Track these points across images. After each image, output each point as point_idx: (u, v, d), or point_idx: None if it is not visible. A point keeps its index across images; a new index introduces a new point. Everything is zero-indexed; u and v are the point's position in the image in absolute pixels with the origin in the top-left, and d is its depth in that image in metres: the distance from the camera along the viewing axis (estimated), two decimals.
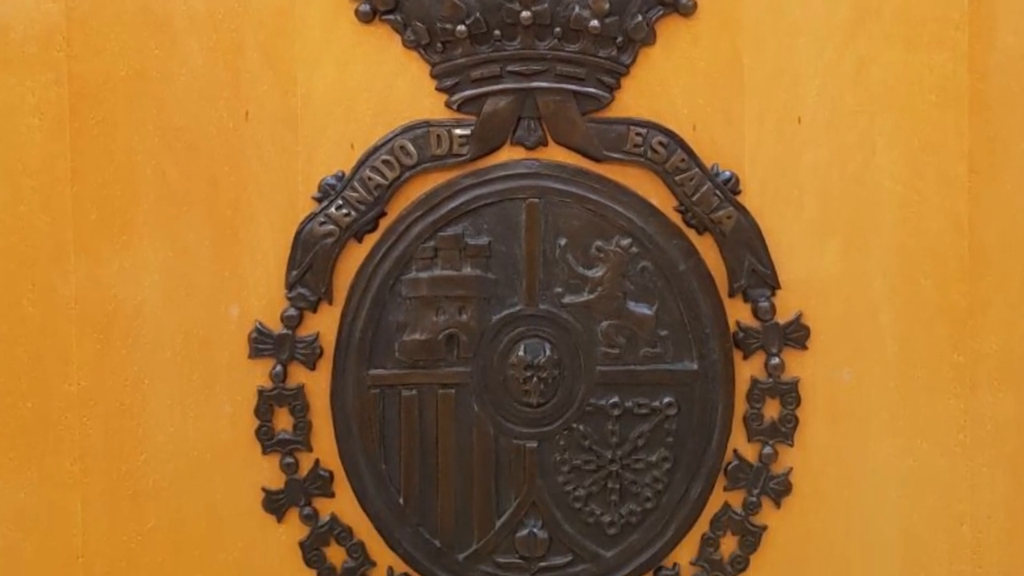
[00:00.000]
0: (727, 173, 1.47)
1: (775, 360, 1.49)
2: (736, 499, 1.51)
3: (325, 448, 1.49)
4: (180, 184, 1.46)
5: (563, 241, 1.46)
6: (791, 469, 1.51)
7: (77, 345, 1.47)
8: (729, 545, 1.52)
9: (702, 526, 1.51)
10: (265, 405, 1.48)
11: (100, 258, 1.46)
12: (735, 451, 1.50)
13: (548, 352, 1.47)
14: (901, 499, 1.51)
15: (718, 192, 1.46)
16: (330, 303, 1.47)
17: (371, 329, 1.46)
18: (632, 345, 1.48)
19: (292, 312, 1.47)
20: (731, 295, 1.48)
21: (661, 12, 1.44)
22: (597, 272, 1.47)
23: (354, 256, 1.47)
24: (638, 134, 1.45)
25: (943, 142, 1.47)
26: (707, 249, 1.47)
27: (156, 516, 1.49)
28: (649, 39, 1.45)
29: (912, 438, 1.50)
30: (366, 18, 1.44)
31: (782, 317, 1.49)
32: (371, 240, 1.47)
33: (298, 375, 1.48)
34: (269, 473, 1.49)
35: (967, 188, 1.48)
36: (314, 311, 1.47)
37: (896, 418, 1.50)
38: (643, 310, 1.47)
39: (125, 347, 1.47)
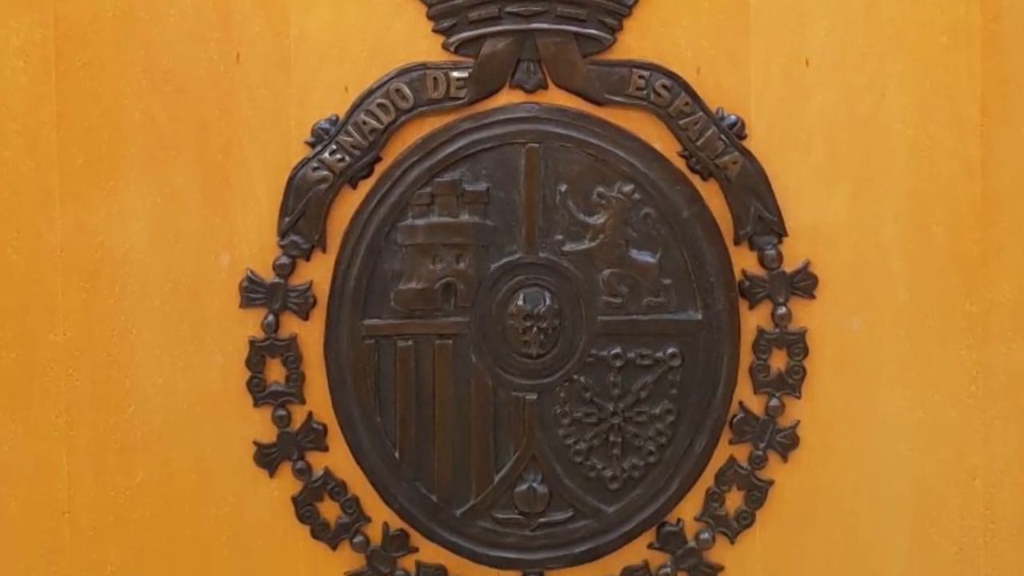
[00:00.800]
0: (732, 117, 1.44)
1: (782, 309, 1.46)
2: (742, 453, 1.48)
3: (318, 400, 1.46)
4: (169, 128, 1.44)
5: (563, 187, 1.43)
6: (798, 422, 1.48)
7: (63, 294, 1.45)
8: (734, 500, 1.49)
9: (707, 481, 1.48)
10: (257, 356, 1.45)
11: (86, 204, 1.44)
12: (741, 403, 1.47)
13: (548, 301, 1.44)
14: (912, 452, 1.48)
15: (723, 136, 1.43)
16: (324, 251, 1.44)
17: (366, 278, 1.44)
18: (635, 294, 1.45)
19: (284, 260, 1.44)
20: (736, 242, 1.45)
21: None
22: (598, 219, 1.44)
23: (348, 202, 1.44)
24: (641, 77, 1.43)
25: (955, 84, 1.45)
26: (712, 195, 1.44)
27: (144, 470, 1.46)
28: None
29: (923, 389, 1.48)
30: None
31: (789, 265, 1.46)
32: (366, 186, 1.44)
33: (291, 325, 1.45)
34: (261, 426, 1.46)
35: (979, 131, 1.45)
36: (307, 259, 1.45)
37: (907, 369, 1.47)
38: (646, 258, 1.44)
39: (112, 296, 1.45)
